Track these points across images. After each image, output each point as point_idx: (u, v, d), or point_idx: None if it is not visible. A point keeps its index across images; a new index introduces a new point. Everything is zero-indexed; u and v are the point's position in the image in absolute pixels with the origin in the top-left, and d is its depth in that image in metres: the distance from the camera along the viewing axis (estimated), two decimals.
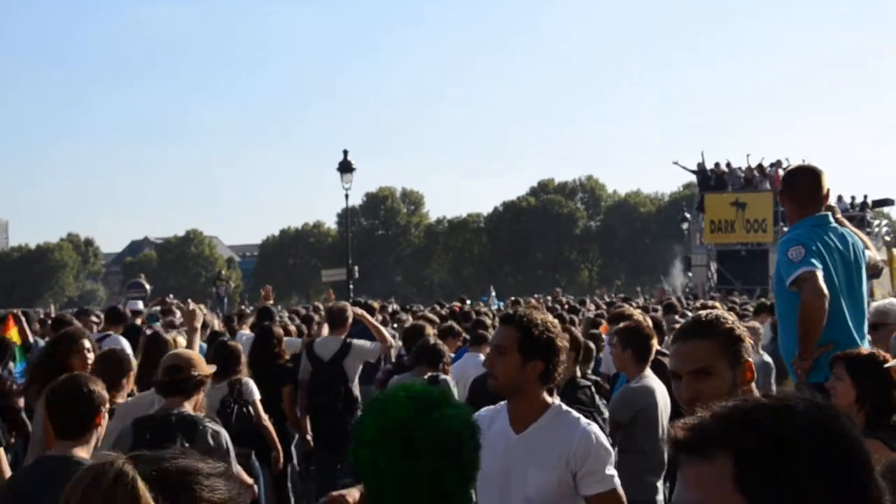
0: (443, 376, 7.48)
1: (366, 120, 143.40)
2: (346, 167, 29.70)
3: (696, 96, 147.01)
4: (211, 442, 4.83)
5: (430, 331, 8.54)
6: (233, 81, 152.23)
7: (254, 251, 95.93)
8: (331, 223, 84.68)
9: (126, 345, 8.55)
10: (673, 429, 1.36)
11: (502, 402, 3.74)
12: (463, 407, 2.40)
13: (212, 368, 5.32)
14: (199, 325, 6.10)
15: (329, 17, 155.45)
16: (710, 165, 37.52)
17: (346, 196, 30.79)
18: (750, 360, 2.77)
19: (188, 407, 4.95)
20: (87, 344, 5.91)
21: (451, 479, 2.29)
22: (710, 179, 37.14)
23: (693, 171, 38.89)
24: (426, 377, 7.41)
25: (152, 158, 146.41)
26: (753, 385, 2.80)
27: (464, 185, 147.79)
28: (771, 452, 1.26)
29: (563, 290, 45.38)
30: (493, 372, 3.62)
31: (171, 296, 20.07)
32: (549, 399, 3.67)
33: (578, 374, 6.66)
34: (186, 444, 4.34)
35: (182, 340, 6.83)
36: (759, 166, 36.75)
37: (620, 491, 3.61)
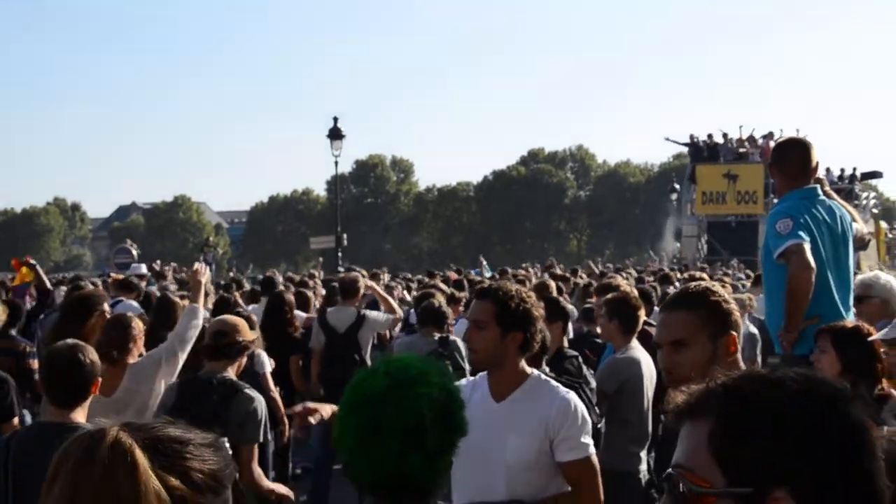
0: (452, 336, 7.58)
1: (356, 87, 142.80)
2: (335, 134, 29.60)
3: (687, 67, 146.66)
4: (248, 408, 4.90)
5: (441, 298, 8.59)
6: (223, 47, 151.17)
7: (242, 218, 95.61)
8: (320, 190, 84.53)
9: (139, 309, 8.59)
10: (674, 394, 1.38)
11: (483, 373, 3.79)
12: (440, 386, 2.37)
13: (255, 334, 5.44)
14: (203, 279, 6.03)
15: None
16: (703, 137, 37.55)
17: (336, 163, 30.77)
18: (734, 333, 2.76)
19: (231, 372, 5.06)
20: (106, 307, 6.01)
21: (415, 462, 2.27)
22: (703, 151, 37.18)
23: (685, 144, 38.93)
24: (435, 338, 7.52)
25: (141, 123, 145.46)
26: (739, 356, 2.81)
27: (454, 153, 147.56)
28: (747, 421, 1.26)
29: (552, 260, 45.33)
30: (473, 346, 3.66)
31: (159, 262, 20.01)
32: (528, 369, 3.73)
33: (566, 344, 6.68)
34: (222, 405, 4.81)
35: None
36: (751, 138, 36.77)
37: (595, 459, 3.66)
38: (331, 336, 8.67)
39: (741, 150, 36.23)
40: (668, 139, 40.06)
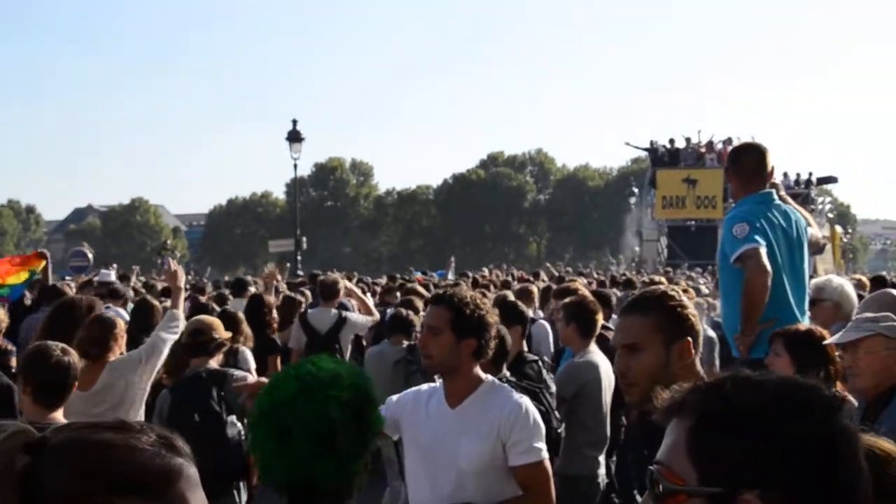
0: None
1: (316, 89, 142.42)
2: (295, 137, 29.44)
3: (647, 72, 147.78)
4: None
5: (420, 304, 8.67)
6: (181, 49, 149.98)
7: (201, 221, 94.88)
8: (279, 193, 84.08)
9: (126, 317, 8.44)
10: (660, 395, 1.37)
11: (439, 382, 3.79)
12: (353, 388, 2.37)
13: (229, 333, 5.81)
14: (181, 284, 6.11)
15: None
16: (663, 142, 37.92)
17: (295, 166, 30.65)
18: (690, 339, 2.75)
19: (213, 365, 5.47)
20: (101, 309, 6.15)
21: (327, 465, 2.27)
22: (664, 156, 37.52)
23: (645, 149, 39.27)
24: (404, 345, 7.58)
25: (98, 125, 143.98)
26: (696, 361, 2.80)
27: (414, 156, 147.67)
28: (724, 421, 1.25)
29: (511, 264, 45.57)
30: (427, 352, 3.65)
31: (115, 265, 19.75)
32: (482, 375, 3.72)
33: (525, 349, 6.68)
34: (222, 394, 5.28)
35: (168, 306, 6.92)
36: (710, 143, 37.11)
37: (547, 464, 3.66)
38: (312, 336, 8.77)
39: (706, 155, 36.58)
40: (627, 143, 40.43)
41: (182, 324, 5.74)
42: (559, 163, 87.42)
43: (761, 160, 5.21)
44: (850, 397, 3.97)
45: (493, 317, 3.68)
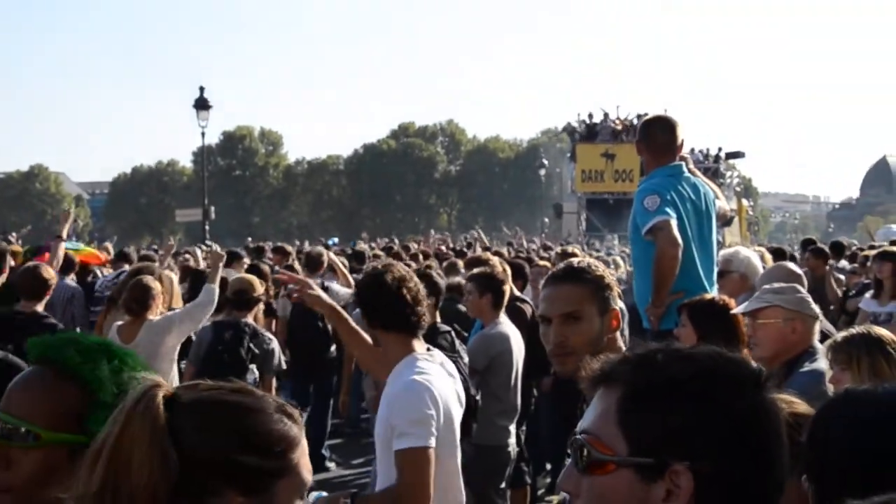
0: None
1: (225, 57, 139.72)
2: (202, 104, 28.90)
3: (560, 44, 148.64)
4: (268, 347, 6.44)
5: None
6: (84, 10, 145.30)
7: (104, 189, 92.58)
8: (186, 162, 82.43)
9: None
10: (590, 363, 1.36)
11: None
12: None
13: (262, 289, 6.98)
14: (221, 263, 6.99)
15: None
16: (584, 117, 38.64)
17: (203, 134, 30.08)
18: (617, 308, 2.79)
19: (250, 318, 6.62)
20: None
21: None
22: (583, 131, 38.21)
23: (564, 129, 40.08)
24: None
25: None
26: (619, 333, 2.83)
27: (324, 126, 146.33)
28: (654, 392, 1.25)
29: (422, 234, 45.63)
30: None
31: (14, 234, 19.13)
32: (403, 353, 3.59)
33: (438, 319, 6.69)
34: (250, 345, 6.32)
35: (174, 276, 8.20)
36: (626, 119, 37.68)
37: (416, 451, 3.35)
38: (297, 306, 8.87)
39: (617, 130, 37.19)
40: (564, 129, 41.26)
41: (216, 297, 6.59)
42: (470, 134, 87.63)
43: (671, 133, 5.26)
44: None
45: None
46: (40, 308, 6.40)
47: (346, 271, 10.03)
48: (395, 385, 3.49)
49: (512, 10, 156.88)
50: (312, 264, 9.78)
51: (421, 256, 13.69)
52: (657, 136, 5.27)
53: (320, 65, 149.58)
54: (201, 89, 28.95)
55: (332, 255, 10.38)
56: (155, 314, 6.30)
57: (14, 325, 5.99)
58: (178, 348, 6.43)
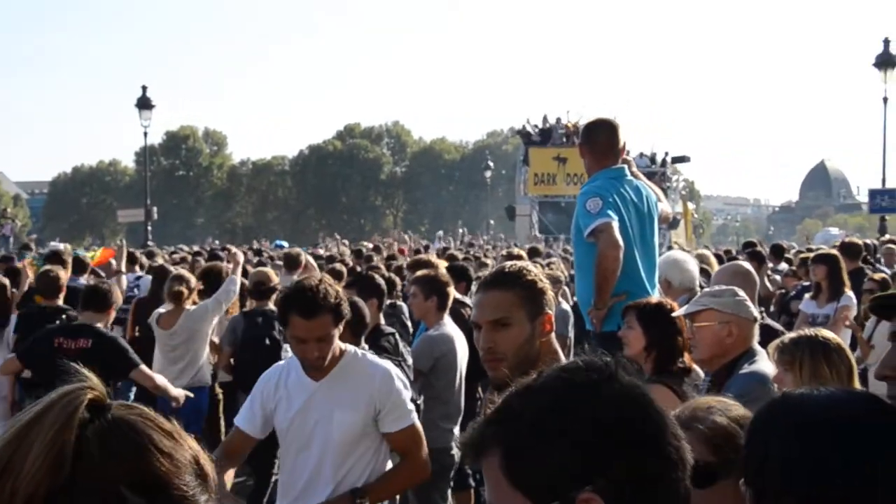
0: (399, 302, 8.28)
1: (167, 55, 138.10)
2: (144, 104, 28.74)
3: (505, 46, 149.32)
4: None
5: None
6: (26, 8, 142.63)
7: (44, 188, 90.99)
8: (128, 162, 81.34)
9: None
10: (465, 433, 1.35)
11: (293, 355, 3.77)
12: None
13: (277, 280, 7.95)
14: (241, 260, 8.31)
15: None
16: (534, 120, 39.16)
17: (145, 134, 29.96)
18: (550, 312, 2.78)
19: (270, 305, 7.33)
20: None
21: None
22: (536, 135, 38.65)
23: (519, 132, 40.93)
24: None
25: None
26: (553, 335, 2.83)
27: (269, 127, 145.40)
28: (526, 439, 1.25)
29: (368, 236, 45.70)
30: None
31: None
32: (342, 345, 3.71)
33: (382, 321, 6.67)
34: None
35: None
36: (576, 124, 38.02)
37: (418, 425, 3.78)
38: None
39: (568, 134, 37.57)
40: (518, 132, 41.76)
41: (238, 286, 7.71)
42: (416, 135, 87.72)
43: (613, 136, 5.29)
44: (696, 367, 4.13)
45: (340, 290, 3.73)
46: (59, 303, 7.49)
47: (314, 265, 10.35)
48: (371, 373, 3.69)
49: (456, 11, 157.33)
50: (291, 263, 10.04)
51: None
52: (599, 139, 5.29)
53: (266, 65, 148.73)
54: (144, 88, 28.77)
55: (310, 256, 10.76)
56: (189, 304, 7.46)
57: (44, 317, 6.99)
58: (211, 333, 7.58)
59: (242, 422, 3.79)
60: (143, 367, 6.21)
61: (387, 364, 3.78)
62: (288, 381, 3.69)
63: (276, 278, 7.65)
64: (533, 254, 13.57)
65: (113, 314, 6.56)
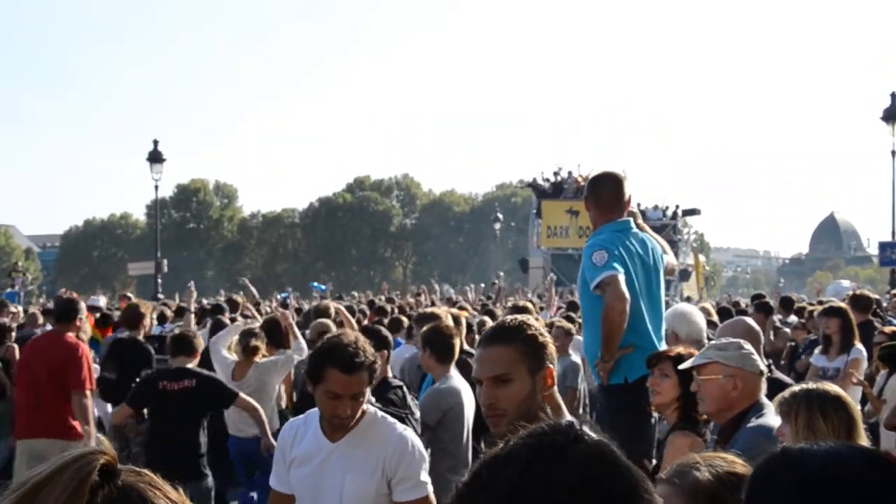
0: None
1: (179, 109, 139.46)
2: (156, 157, 28.95)
3: (514, 100, 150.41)
4: None
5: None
6: (37, 59, 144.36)
7: (55, 242, 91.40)
8: (139, 215, 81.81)
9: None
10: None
11: (314, 409, 3.68)
12: None
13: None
14: (291, 321, 8.71)
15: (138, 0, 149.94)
16: (548, 175, 39.73)
17: (156, 187, 30.11)
18: (552, 366, 2.77)
19: None
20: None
21: None
22: (549, 188, 39.21)
23: (529, 184, 41.51)
24: None
25: None
26: (556, 389, 2.82)
27: (280, 179, 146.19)
28: None
29: (377, 288, 45.81)
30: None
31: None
32: (364, 406, 3.64)
33: (390, 374, 6.64)
34: None
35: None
36: (587, 177, 38.35)
37: (433, 498, 3.62)
38: None
39: (580, 187, 37.91)
40: (528, 185, 42.22)
41: (305, 352, 7.74)
42: (425, 188, 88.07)
43: (619, 189, 5.31)
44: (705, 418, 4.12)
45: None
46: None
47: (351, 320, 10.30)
48: (386, 439, 3.60)
49: (466, 66, 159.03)
50: (321, 316, 9.88)
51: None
52: (604, 192, 5.32)
53: (276, 117, 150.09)
54: (155, 142, 29.01)
55: (337, 305, 10.78)
56: (259, 357, 7.92)
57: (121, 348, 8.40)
58: (277, 388, 8.09)
59: (276, 483, 3.73)
60: (243, 394, 6.99)
61: (406, 431, 3.68)
62: (305, 439, 3.62)
63: (334, 327, 7.68)
64: (515, 310, 13.56)
65: (198, 357, 7.17)
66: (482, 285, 34.19)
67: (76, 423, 6.98)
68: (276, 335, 8.47)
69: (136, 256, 53.59)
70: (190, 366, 6.83)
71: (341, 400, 3.44)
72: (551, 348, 2.79)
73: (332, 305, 10.35)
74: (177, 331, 8.21)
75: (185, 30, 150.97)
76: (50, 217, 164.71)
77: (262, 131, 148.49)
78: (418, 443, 3.66)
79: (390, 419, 3.73)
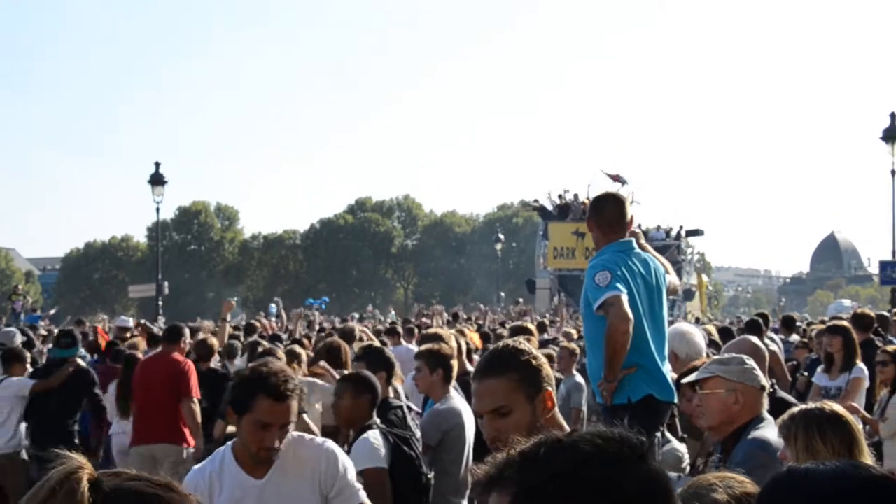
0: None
1: (179, 132, 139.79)
2: (157, 180, 29.01)
3: (516, 121, 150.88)
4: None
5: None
6: (34, 81, 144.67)
7: (56, 265, 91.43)
8: (140, 237, 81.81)
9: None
10: (476, 468, 1.35)
11: (219, 451, 3.54)
12: None
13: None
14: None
15: (143, 20, 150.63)
16: (554, 197, 40.22)
17: (157, 209, 30.13)
18: (550, 388, 2.76)
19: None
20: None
21: None
22: (555, 210, 39.74)
23: (535, 208, 42.22)
24: None
25: None
26: (557, 411, 2.81)
27: (280, 201, 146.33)
28: (543, 489, 1.24)
29: (379, 309, 45.82)
30: None
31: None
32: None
33: (391, 394, 6.64)
34: None
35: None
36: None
37: (367, 501, 3.65)
38: None
39: (586, 209, 38.19)
40: (534, 205, 42.59)
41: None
42: (427, 208, 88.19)
43: (620, 209, 5.33)
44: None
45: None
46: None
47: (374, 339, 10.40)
48: (316, 457, 3.54)
49: (466, 87, 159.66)
50: (348, 337, 9.91)
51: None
52: (606, 212, 5.33)
53: (277, 139, 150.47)
54: (156, 165, 29.06)
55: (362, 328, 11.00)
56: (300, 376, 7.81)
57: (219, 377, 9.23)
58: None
59: None
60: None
61: (326, 443, 3.59)
62: (224, 485, 3.39)
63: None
64: (517, 332, 13.55)
65: None
66: (501, 305, 34.35)
67: (185, 430, 8.31)
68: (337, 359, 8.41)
69: (137, 279, 53.67)
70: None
71: (270, 430, 3.30)
72: (547, 370, 2.77)
73: (357, 328, 10.41)
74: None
75: (185, 53, 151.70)
76: (50, 240, 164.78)
77: (264, 153, 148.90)
78: (340, 450, 3.62)
79: (307, 436, 3.67)
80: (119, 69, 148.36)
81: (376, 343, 8.32)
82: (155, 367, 8.59)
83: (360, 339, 9.98)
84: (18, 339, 10.81)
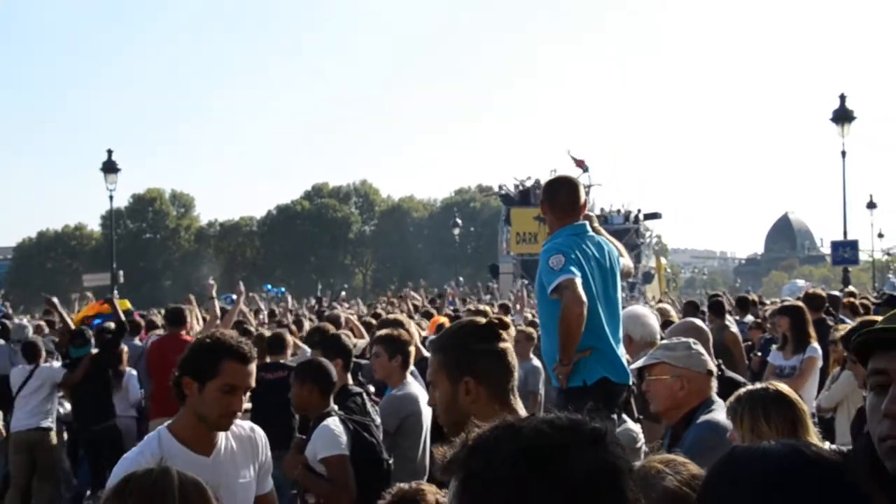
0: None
1: (133, 118, 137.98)
2: (110, 167, 28.67)
3: (471, 104, 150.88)
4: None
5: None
6: None
7: (7, 254, 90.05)
8: (94, 225, 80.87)
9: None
10: (436, 450, 1.39)
11: (150, 437, 3.47)
12: None
13: None
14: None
15: (93, 6, 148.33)
16: (516, 182, 40.57)
17: (111, 197, 29.81)
18: (471, 379, 2.73)
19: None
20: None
21: None
22: (517, 195, 40.15)
23: (496, 193, 42.62)
24: None
25: None
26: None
27: (237, 188, 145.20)
28: (488, 475, 1.25)
29: (337, 295, 45.77)
30: None
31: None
32: None
33: (350, 381, 6.62)
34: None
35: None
36: None
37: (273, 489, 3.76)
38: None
39: None
40: (495, 192, 42.90)
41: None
42: (384, 194, 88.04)
43: (574, 193, 5.34)
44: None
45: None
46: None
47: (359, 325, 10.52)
48: (250, 435, 3.59)
49: (422, 71, 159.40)
50: (334, 324, 9.98)
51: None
52: (560, 196, 5.35)
53: (232, 125, 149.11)
54: (109, 152, 28.72)
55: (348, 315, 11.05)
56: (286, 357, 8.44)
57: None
58: None
59: None
60: None
61: (253, 424, 3.66)
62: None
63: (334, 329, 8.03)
64: (475, 314, 13.64)
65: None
66: (434, 289, 34.51)
67: None
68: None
69: (91, 268, 52.97)
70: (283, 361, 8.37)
71: (236, 394, 3.30)
72: (477, 359, 2.73)
73: (343, 315, 10.56)
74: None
75: (137, 39, 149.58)
76: (2, 229, 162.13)
77: (219, 139, 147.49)
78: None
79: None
80: (71, 55, 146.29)
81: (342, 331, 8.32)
82: (169, 347, 9.20)
83: (348, 326, 10.09)
84: (30, 330, 11.96)
